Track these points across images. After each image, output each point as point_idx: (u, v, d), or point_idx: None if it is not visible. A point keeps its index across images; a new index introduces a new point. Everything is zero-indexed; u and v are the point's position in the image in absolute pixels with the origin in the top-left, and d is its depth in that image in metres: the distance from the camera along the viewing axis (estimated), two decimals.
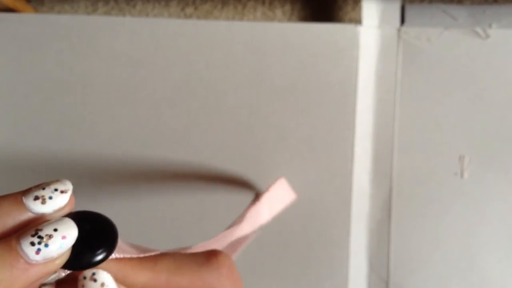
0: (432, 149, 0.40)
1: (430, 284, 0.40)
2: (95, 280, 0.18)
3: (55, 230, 0.18)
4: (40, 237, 0.17)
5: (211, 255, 0.21)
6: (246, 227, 0.33)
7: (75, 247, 0.18)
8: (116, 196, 0.41)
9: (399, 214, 0.40)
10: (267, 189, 0.37)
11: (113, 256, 0.19)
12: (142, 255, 0.20)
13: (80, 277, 0.18)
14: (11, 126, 0.42)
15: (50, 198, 0.18)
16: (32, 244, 0.17)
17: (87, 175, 0.41)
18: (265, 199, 0.36)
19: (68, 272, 0.19)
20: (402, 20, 0.42)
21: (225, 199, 0.41)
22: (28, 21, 0.42)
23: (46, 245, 0.17)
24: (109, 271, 0.19)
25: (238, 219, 0.32)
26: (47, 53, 0.42)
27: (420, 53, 0.41)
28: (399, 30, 0.41)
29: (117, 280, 0.19)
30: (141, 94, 0.41)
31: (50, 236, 0.17)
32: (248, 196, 0.41)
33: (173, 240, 0.41)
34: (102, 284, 0.18)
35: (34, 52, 0.42)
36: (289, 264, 0.40)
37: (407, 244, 0.40)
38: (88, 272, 0.18)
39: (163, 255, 0.21)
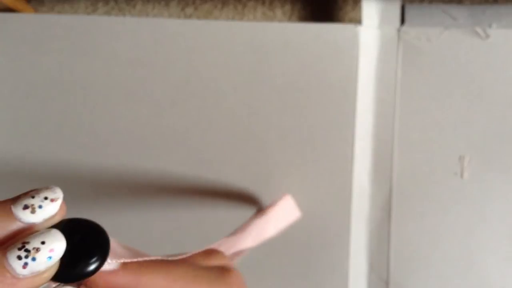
0: (432, 149, 0.40)
1: (430, 284, 0.40)
2: None
3: (43, 243, 0.17)
4: (27, 250, 0.17)
5: (225, 271, 0.21)
6: (249, 241, 0.32)
7: (65, 258, 0.17)
8: (115, 196, 0.41)
9: (399, 214, 0.40)
10: (273, 204, 0.36)
11: (108, 261, 0.19)
12: (154, 258, 0.20)
13: None
14: (11, 126, 0.42)
15: (40, 207, 0.18)
16: (19, 258, 0.16)
17: (87, 175, 0.41)
18: (271, 214, 0.36)
19: (58, 284, 0.19)
20: (402, 20, 0.42)
21: (225, 209, 0.41)
22: (28, 21, 0.42)
23: (34, 259, 0.17)
24: (122, 277, 0.19)
25: (240, 229, 0.32)
26: (47, 53, 0.42)
27: (420, 53, 0.41)
28: (399, 30, 0.41)
29: (130, 286, 0.19)
30: (141, 94, 0.41)
31: (37, 250, 0.17)
32: (248, 208, 0.41)
33: (174, 243, 0.41)
34: None
35: (34, 52, 0.42)
36: (289, 264, 0.40)
37: (407, 244, 0.40)
38: None
39: (178, 263, 0.20)
